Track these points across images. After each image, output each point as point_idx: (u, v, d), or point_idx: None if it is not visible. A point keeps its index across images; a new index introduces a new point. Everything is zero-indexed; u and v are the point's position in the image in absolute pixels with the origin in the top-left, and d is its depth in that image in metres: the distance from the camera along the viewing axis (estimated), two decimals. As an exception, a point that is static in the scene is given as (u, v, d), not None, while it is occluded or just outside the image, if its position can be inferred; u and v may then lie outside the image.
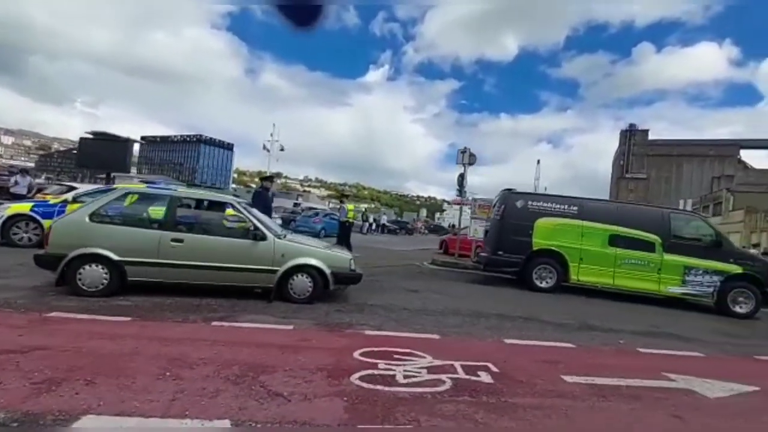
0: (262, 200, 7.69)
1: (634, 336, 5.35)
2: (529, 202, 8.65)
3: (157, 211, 4.94)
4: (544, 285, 8.37)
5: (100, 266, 4.33)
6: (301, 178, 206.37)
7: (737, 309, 7.84)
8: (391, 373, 3.02)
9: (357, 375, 2.86)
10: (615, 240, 8.29)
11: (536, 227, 8.48)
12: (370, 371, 2.98)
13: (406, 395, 2.65)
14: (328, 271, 5.08)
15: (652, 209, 8.89)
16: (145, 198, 5.14)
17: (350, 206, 11.27)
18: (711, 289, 7.99)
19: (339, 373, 2.88)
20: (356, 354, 3.33)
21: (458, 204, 13.58)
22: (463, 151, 11.71)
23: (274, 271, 4.88)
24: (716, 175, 51.51)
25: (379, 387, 2.72)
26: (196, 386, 2.43)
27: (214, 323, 3.79)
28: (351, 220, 10.80)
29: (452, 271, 10.90)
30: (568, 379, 3.36)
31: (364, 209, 45.01)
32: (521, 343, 4.35)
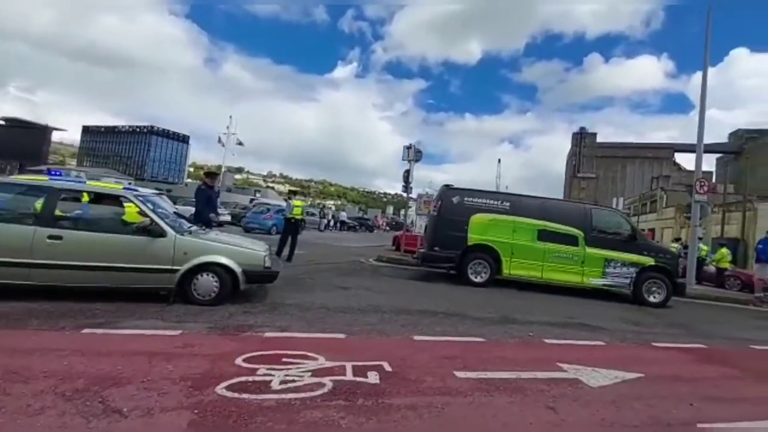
0: (203, 197, 7.31)
1: (548, 327, 5.50)
2: (465, 198, 8.76)
3: (36, 205, 4.45)
4: (478, 279, 8.52)
5: (-44, 268, 3.83)
6: (265, 173, 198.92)
7: (651, 298, 8.37)
8: (268, 379, 2.85)
9: (226, 384, 2.67)
10: (543, 235, 8.57)
11: (471, 223, 8.60)
12: (244, 378, 2.80)
13: (273, 403, 2.50)
14: (238, 269, 4.80)
15: (575, 205, 9.30)
16: (26, 190, 4.62)
17: (298, 203, 10.99)
18: (628, 280, 8.46)
19: (206, 382, 2.68)
20: (239, 360, 3.13)
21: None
22: (408, 147, 11.71)
23: (175, 271, 4.53)
24: (655, 176, 55.26)
25: (245, 396, 2.55)
26: (20, 403, 2.15)
27: (86, 330, 3.45)
28: (297, 217, 10.50)
29: (396, 268, 10.87)
30: (460, 374, 3.35)
31: (323, 206, 43.84)
32: (430, 339, 4.32)
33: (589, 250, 8.52)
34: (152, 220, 4.56)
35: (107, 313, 4.04)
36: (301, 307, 5.07)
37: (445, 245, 8.57)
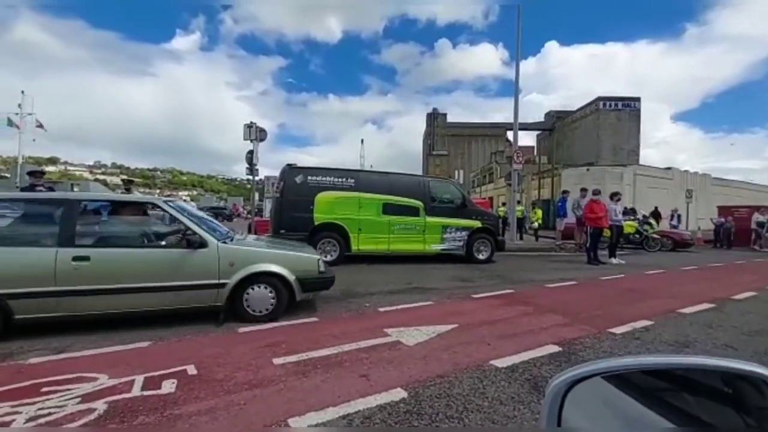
0: None
1: (388, 295, 5.73)
2: (309, 177, 8.57)
3: (54, 222, 3.73)
4: (328, 258, 8.51)
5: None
6: (91, 163, 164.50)
7: (479, 256, 9.66)
8: (9, 419, 2.21)
9: None
10: (387, 208, 9.00)
11: (317, 202, 8.49)
12: (-37, 429, 2.09)
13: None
14: (291, 277, 4.33)
15: (415, 178, 9.98)
16: (27, 205, 4.01)
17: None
18: (461, 243, 9.58)
19: None
20: (-32, 403, 2.35)
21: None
22: (250, 126, 10.85)
23: (222, 285, 4.02)
24: (493, 151, 64.36)
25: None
26: None
27: None
28: None
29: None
30: (279, 361, 3.18)
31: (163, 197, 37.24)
32: (256, 329, 4.03)
33: (429, 219, 9.31)
34: (190, 229, 4.02)
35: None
36: (102, 320, 4.18)
37: (291, 227, 8.30)
